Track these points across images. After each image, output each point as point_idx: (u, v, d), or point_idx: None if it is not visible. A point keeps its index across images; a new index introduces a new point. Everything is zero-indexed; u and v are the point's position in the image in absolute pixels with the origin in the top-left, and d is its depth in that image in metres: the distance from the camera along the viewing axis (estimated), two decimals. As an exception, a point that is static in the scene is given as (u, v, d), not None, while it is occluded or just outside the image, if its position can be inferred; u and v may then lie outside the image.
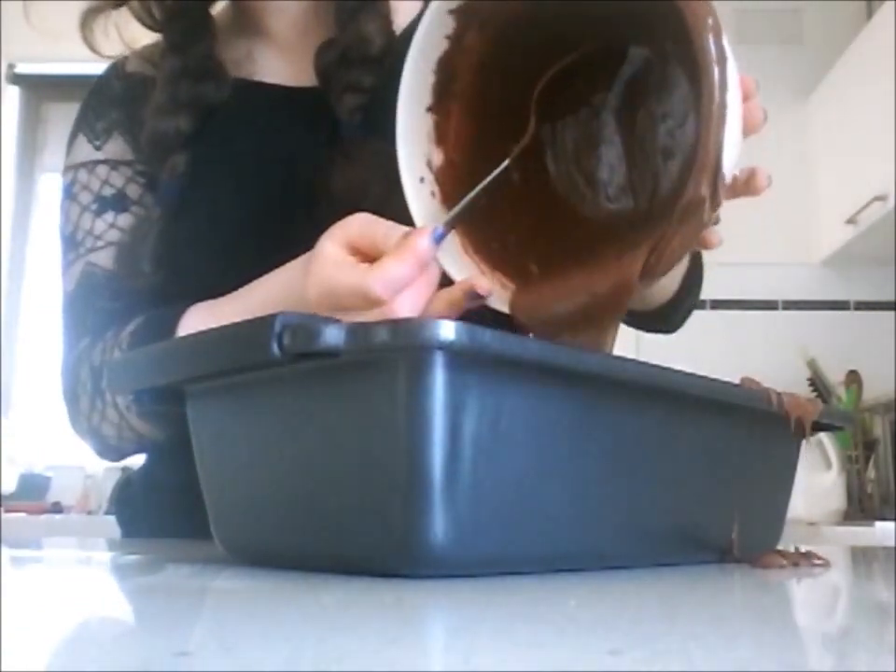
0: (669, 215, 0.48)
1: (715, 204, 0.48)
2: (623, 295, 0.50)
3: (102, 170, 0.78)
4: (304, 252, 0.59)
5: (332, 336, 0.37)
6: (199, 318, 0.65)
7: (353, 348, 0.37)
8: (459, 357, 0.37)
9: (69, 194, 0.79)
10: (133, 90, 0.79)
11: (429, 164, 0.60)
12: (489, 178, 0.56)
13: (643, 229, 0.53)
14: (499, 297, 0.56)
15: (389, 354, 0.37)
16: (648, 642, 0.23)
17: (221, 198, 0.74)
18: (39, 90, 2.97)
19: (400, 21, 0.77)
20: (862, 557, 0.68)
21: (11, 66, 2.92)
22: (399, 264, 0.50)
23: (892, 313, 2.54)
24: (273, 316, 0.37)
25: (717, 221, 0.52)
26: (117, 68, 0.82)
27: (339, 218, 0.56)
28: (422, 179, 0.60)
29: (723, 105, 0.46)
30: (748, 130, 0.50)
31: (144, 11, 0.78)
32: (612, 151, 0.60)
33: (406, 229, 0.53)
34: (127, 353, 0.66)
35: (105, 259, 0.75)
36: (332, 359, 0.38)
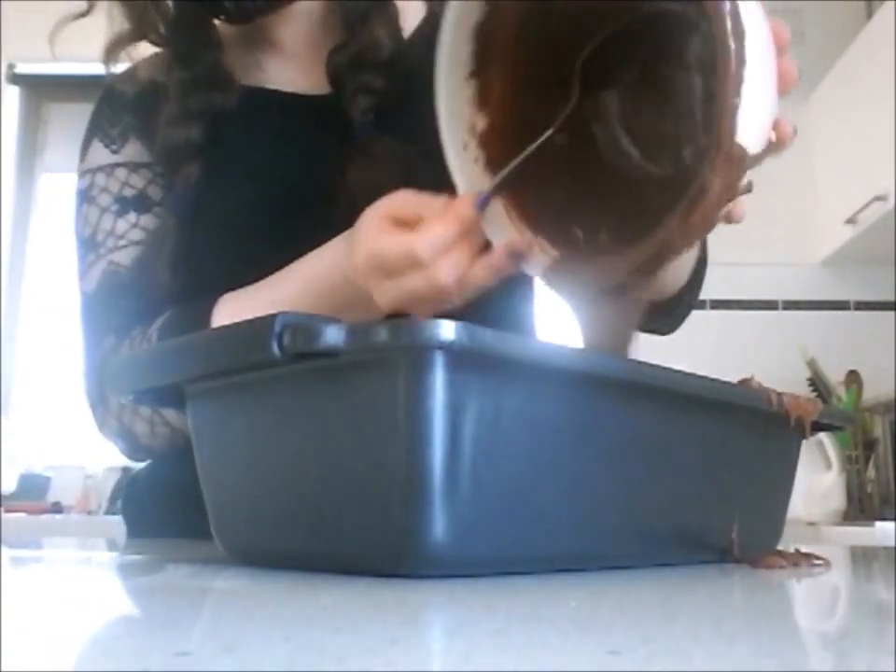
0: (679, 198, 0.48)
1: (733, 180, 0.46)
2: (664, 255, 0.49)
3: (121, 172, 0.78)
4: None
5: (332, 336, 0.37)
6: (235, 308, 0.65)
7: (353, 348, 0.37)
8: (459, 357, 0.37)
9: (86, 198, 0.78)
10: (146, 95, 0.79)
11: (472, 130, 0.60)
12: (533, 146, 0.55)
13: (676, 191, 0.52)
14: (538, 261, 0.55)
15: (389, 354, 0.37)
16: (648, 642, 0.23)
17: (236, 202, 0.74)
18: (39, 90, 2.97)
19: (408, 24, 0.78)
20: (862, 557, 0.68)
21: (11, 66, 2.92)
22: (441, 226, 0.51)
23: (892, 313, 2.54)
24: (273, 316, 0.38)
25: (749, 189, 0.50)
26: (128, 75, 0.82)
27: (358, 215, 0.57)
28: (465, 146, 0.60)
29: (738, 90, 0.44)
30: (782, 89, 0.47)
31: (151, 29, 0.78)
32: (648, 111, 0.58)
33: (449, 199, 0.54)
34: (128, 353, 0.66)
35: (127, 258, 0.75)
36: (332, 359, 0.38)
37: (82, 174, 0.80)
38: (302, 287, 0.63)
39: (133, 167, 0.78)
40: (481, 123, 0.60)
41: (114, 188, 0.78)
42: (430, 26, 0.82)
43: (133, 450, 0.73)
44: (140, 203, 0.77)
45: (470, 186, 0.57)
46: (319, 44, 0.78)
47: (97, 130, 0.81)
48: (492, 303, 0.74)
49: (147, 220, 0.76)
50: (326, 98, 0.76)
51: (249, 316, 0.61)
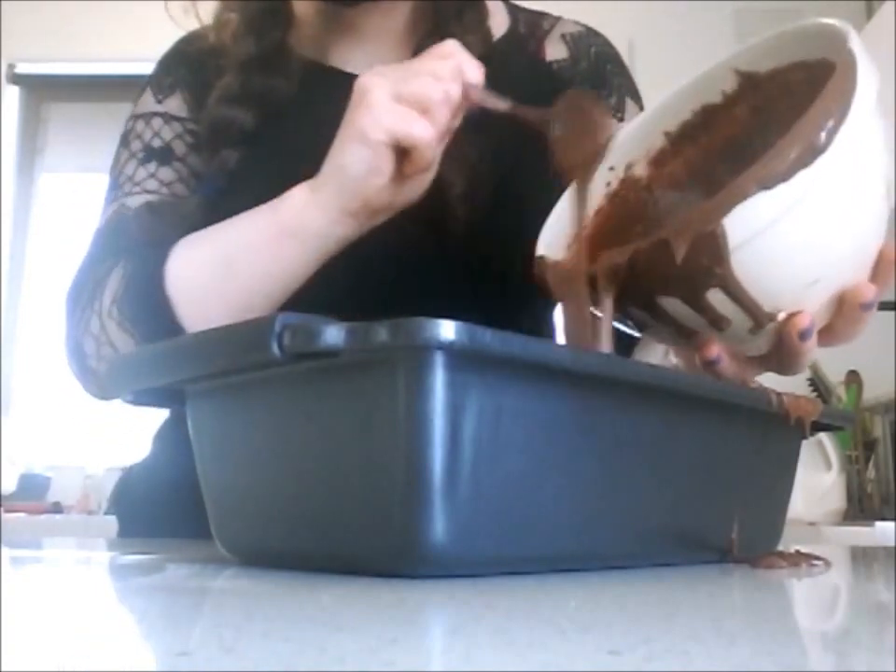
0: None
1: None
2: None
3: (157, 122, 0.80)
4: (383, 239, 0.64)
5: (332, 336, 0.37)
6: (189, 258, 0.67)
7: (353, 348, 0.37)
8: (459, 357, 0.37)
9: (123, 142, 0.81)
10: (210, 54, 0.80)
11: (628, 167, 0.61)
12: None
13: None
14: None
15: (389, 354, 0.37)
16: (648, 642, 0.23)
17: (288, 176, 0.74)
18: (39, 90, 2.97)
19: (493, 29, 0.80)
20: (862, 557, 0.68)
21: (11, 66, 2.92)
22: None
23: (892, 313, 2.53)
24: (272, 316, 0.37)
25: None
26: (193, 34, 0.84)
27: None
28: (611, 168, 0.61)
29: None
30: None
31: None
32: None
33: None
34: (127, 353, 0.66)
35: (136, 204, 0.76)
36: (332, 359, 0.38)
37: (129, 119, 0.82)
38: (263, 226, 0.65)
39: (168, 119, 0.80)
40: (639, 170, 0.61)
41: (146, 136, 0.80)
42: (514, 38, 0.83)
43: (83, 372, 0.71)
44: (163, 154, 0.79)
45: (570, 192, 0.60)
46: (399, 35, 0.79)
47: (153, 78, 0.83)
48: (512, 309, 0.75)
49: (165, 173, 0.78)
50: None
51: (205, 267, 0.64)
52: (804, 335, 0.50)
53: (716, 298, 0.48)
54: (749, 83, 0.57)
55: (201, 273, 0.66)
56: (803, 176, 0.45)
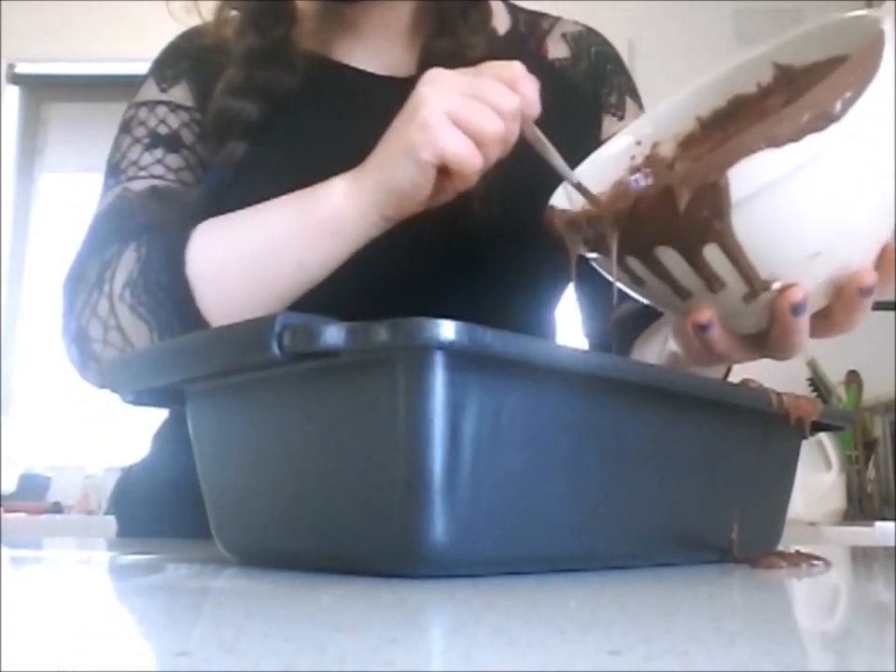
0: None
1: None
2: None
3: (161, 110, 0.80)
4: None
5: (332, 336, 0.37)
6: (214, 240, 0.66)
7: (353, 348, 0.37)
8: (459, 357, 0.37)
9: (125, 128, 0.80)
10: (212, 48, 0.80)
11: (654, 147, 0.62)
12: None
13: None
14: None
15: (389, 354, 0.37)
16: (648, 642, 0.23)
17: (293, 169, 0.73)
18: (39, 90, 2.96)
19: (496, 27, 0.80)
20: (862, 557, 0.68)
21: (11, 66, 2.92)
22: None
23: (892, 313, 2.53)
24: (272, 316, 0.38)
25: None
26: (192, 31, 0.83)
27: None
28: (639, 142, 0.62)
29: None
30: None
31: None
32: None
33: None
34: (127, 354, 0.65)
35: (142, 187, 0.76)
36: (332, 359, 0.38)
37: (129, 107, 0.82)
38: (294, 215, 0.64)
39: (174, 107, 0.80)
40: (666, 149, 0.62)
41: (151, 123, 0.79)
42: (515, 37, 0.83)
43: (84, 359, 0.69)
44: (170, 141, 0.78)
45: (602, 164, 0.61)
46: (402, 33, 0.79)
47: (155, 69, 0.83)
48: (514, 308, 0.75)
49: (172, 159, 0.78)
50: (401, 80, 0.76)
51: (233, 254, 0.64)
52: (796, 309, 0.50)
53: (713, 256, 0.48)
54: (785, 76, 0.57)
55: (228, 258, 0.66)
56: (812, 140, 0.45)
